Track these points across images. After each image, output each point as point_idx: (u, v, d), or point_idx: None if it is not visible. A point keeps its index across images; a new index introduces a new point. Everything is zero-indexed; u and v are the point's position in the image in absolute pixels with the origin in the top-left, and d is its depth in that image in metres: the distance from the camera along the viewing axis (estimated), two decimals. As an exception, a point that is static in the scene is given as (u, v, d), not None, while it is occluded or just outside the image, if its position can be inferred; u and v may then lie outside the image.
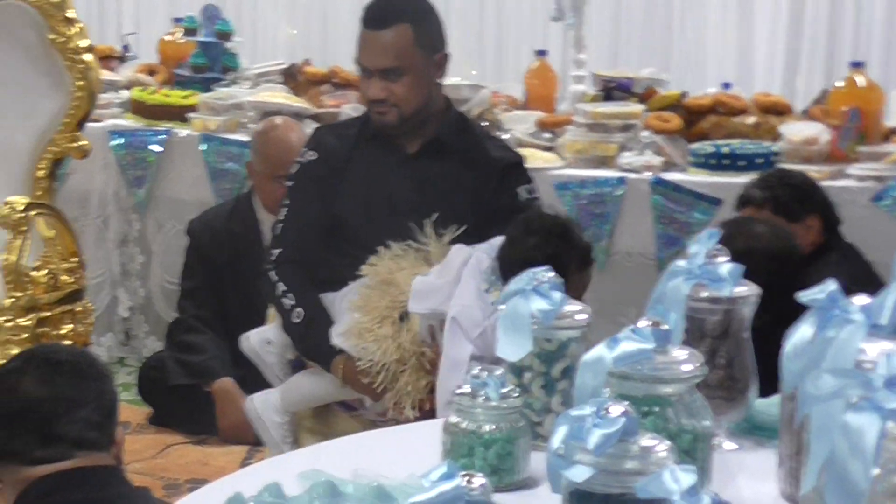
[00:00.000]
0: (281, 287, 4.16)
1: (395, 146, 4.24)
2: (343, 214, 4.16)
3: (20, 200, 4.64)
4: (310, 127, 5.83)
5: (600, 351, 2.12)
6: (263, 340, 4.31)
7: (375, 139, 4.25)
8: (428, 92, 4.22)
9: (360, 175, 4.21)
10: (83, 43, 4.95)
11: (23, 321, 4.59)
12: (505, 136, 5.61)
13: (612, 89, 5.77)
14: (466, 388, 2.34)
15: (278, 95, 5.98)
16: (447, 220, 4.06)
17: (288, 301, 4.13)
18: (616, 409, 1.86)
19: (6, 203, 4.61)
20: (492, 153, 4.27)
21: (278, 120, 5.56)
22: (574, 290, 3.30)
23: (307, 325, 4.10)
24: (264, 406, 4.25)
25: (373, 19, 4.22)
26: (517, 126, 5.66)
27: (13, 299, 4.58)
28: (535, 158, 5.37)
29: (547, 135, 5.58)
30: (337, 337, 4.02)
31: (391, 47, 4.13)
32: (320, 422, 4.29)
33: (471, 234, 4.04)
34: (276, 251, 4.22)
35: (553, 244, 3.71)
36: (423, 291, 3.91)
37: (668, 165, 5.32)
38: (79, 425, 2.61)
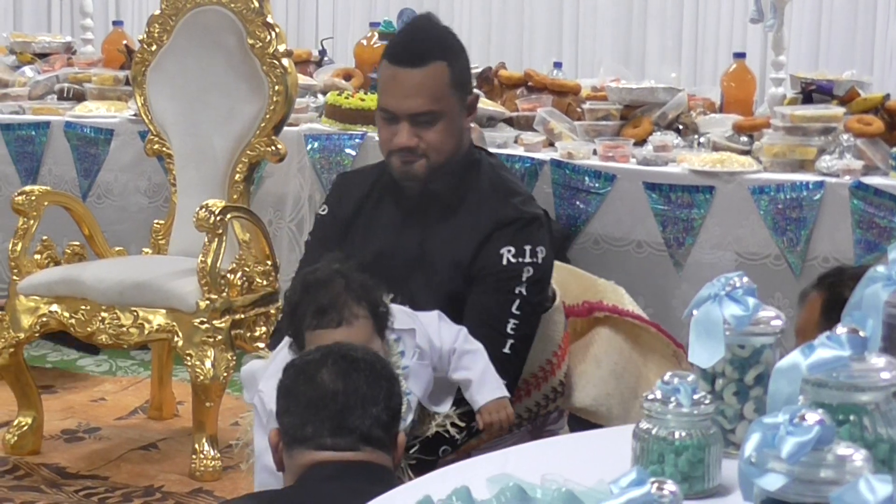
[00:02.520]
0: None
1: (403, 197, 3.88)
2: None
3: (217, 204, 4.73)
4: (503, 131, 5.86)
5: (795, 357, 2.09)
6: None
7: (388, 189, 3.91)
8: (460, 138, 3.86)
9: (363, 229, 3.90)
10: (281, 48, 5.05)
11: (218, 323, 4.69)
12: (701, 140, 5.60)
13: (812, 92, 5.69)
14: (658, 394, 2.34)
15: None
16: (442, 277, 3.78)
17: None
18: (811, 417, 1.84)
19: (203, 206, 4.71)
20: (491, 207, 3.83)
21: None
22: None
23: None
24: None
25: (405, 56, 3.80)
26: (713, 129, 5.62)
27: (208, 302, 4.68)
28: (731, 162, 5.34)
29: (744, 138, 5.54)
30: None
31: (426, 88, 3.74)
32: None
33: (459, 296, 3.77)
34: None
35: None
36: (248, 380, 3.66)
37: (869, 169, 5.23)
38: (369, 421, 2.72)
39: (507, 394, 3.61)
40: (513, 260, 3.74)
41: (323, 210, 4.04)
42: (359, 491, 2.50)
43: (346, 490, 2.60)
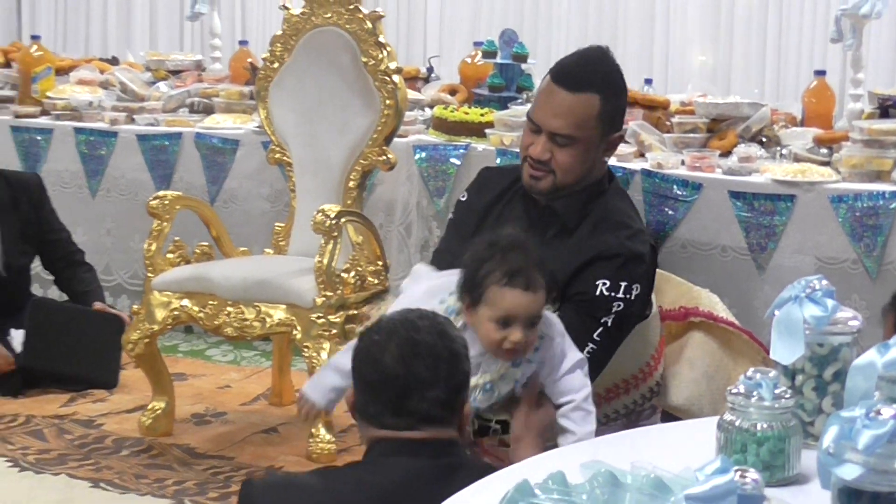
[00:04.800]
0: None
1: (532, 204, 3.89)
2: None
3: (333, 208, 4.77)
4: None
5: (871, 356, 2.08)
6: None
7: (522, 192, 3.91)
8: (591, 167, 3.83)
9: (493, 223, 3.87)
10: (392, 65, 5.07)
11: (333, 318, 4.72)
12: (783, 152, 5.56)
13: (889, 107, 5.64)
14: (741, 388, 2.33)
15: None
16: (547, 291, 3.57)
17: None
18: (886, 412, 1.83)
19: (320, 210, 4.74)
20: (599, 238, 3.76)
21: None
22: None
23: None
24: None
25: (565, 78, 3.81)
26: (795, 142, 5.58)
27: (324, 298, 4.71)
28: (811, 173, 5.30)
29: (823, 150, 5.50)
30: None
31: (573, 114, 3.74)
32: None
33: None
34: None
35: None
36: (413, 275, 3.80)
37: (944, 181, 5.19)
38: (427, 403, 2.67)
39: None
40: (606, 293, 3.68)
41: (463, 197, 4.07)
42: (422, 466, 2.51)
43: (408, 466, 2.60)
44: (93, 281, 5.99)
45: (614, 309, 3.69)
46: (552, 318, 3.52)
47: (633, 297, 3.72)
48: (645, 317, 3.89)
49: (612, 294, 3.68)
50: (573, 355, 3.50)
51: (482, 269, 3.34)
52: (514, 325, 3.32)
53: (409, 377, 2.67)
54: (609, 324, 3.68)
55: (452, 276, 3.46)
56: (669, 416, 4.12)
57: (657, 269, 4.24)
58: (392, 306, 3.56)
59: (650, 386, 3.98)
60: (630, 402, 3.93)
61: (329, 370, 3.65)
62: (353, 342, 3.21)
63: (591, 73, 3.84)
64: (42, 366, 5.60)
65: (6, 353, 5.59)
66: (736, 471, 1.74)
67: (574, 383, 3.47)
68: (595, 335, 3.67)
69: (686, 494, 1.70)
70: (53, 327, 5.65)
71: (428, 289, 3.57)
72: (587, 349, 3.63)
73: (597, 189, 3.88)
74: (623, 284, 3.69)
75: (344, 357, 3.41)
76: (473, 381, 3.36)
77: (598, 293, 3.66)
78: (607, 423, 3.82)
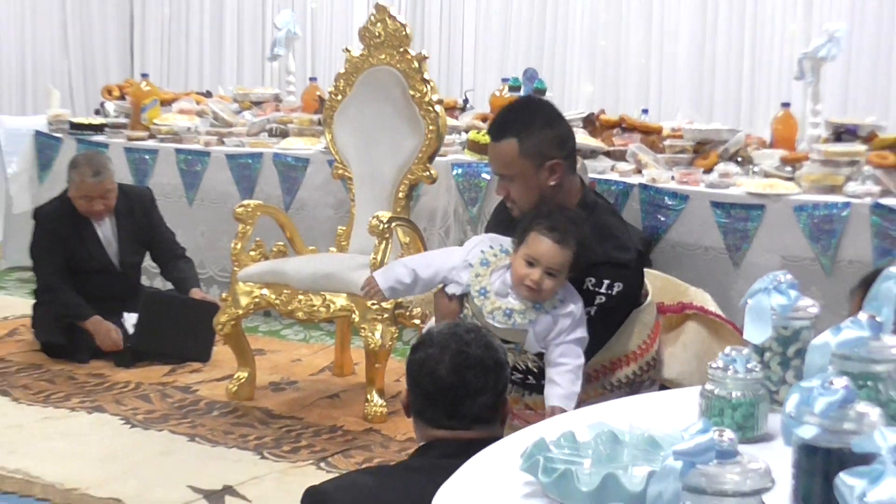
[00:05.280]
0: None
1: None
2: None
3: (385, 215, 4.77)
4: (603, 161, 5.84)
5: (826, 337, 2.07)
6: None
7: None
8: (538, 193, 3.71)
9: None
10: (434, 97, 5.06)
11: (385, 305, 4.71)
12: (755, 169, 5.54)
13: (842, 133, 5.62)
14: (720, 363, 2.33)
15: (579, 137, 5.99)
16: None
17: None
18: (838, 382, 1.82)
19: (375, 216, 4.74)
20: (590, 248, 3.67)
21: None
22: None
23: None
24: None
25: (490, 131, 3.88)
26: (765, 161, 5.57)
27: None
28: (778, 187, 5.30)
29: (788, 168, 5.48)
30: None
31: (499, 158, 3.74)
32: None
33: None
34: None
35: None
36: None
37: (885, 193, 5.16)
38: (477, 408, 2.63)
39: (570, 409, 3.50)
40: (591, 288, 3.68)
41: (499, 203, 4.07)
42: None
43: (458, 467, 2.56)
44: (190, 270, 6.01)
45: (597, 301, 3.69)
46: (578, 301, 3.58)
47: (614, 293, 3.71)
48: (640, 304, 3.88)
49: (597, 290, 3.68)
50: (581, 331, 3.55)
51: (536, 219, 3.48)
52: (537, 266, 3.43)
53: (461, 386, 2.62)
54: (593, 314, 3.68)
55: (506, 238, 3.61)
56: (665, 388, 4.11)
57: (657, 272, 4.27)
58: (424, 259, 3.80)
59: (647, 360, 3.95)
60: (630, 373, 3.91)
61: (400, 265, 3.76)
62: (423, 254, 3.77)
63: (510, 121, 3.79)
64: (150, 346, 5.63)
65: (118, 335, 5.64)
66: (714, 431, 1.72)
67: (573, 352, 3.54)
68: (589, 320, 3.69)
69: (674, 450, 1.68)
70: (161, 313, 5.67)
71: (491, 237, 3.68)
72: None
73: (584, 204, 3.81)
74: (606, 282, 3.69)
75: (415, 260, 3.71)
76: (500, 302, 3.50)
77: (584, 288, 3.66)
78: (612, 391, 3.82)
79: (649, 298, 3.99)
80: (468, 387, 2.63)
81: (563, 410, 3.48)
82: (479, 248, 3.63)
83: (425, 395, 2.65)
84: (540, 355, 3.58)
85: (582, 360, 3.59)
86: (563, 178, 3.76)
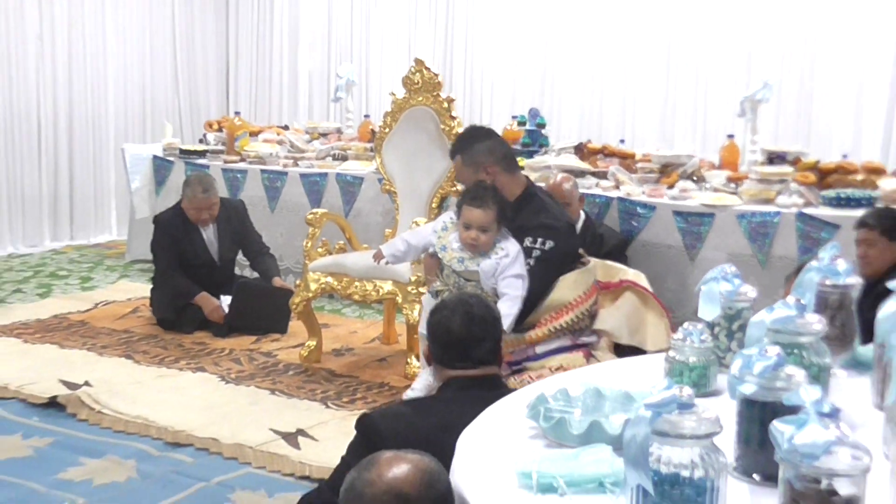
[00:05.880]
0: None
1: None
2: None
3: (421, 220, 4.75)
4: (589, 180, 5.83)
5: (762, 315, 2.07)
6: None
7: None
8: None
9: None
10: (460, 130, 5.05)
11: (421, 289, 4.69)
12: (707, 186, 5.52)
13: (774, 158, 5.60)
14: (681, 335, 2.33)
15: (571, 160, 5.99)
16: None
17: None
18: (772, 350, 1.82)
19: (414, 221, 4.74)
20: (529, 219, 4.05)
21: (563, 175, 5.54)
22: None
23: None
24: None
25: (450, 152, 4.32)
26: (714, 179, 5.55)
27: (417, 277, 4.71)
28: (725, 199, 5.28)
29: (732, 185, 5.46)
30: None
31: (456, 168, 4.27)
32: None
33: None
34: None
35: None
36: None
37: (807, 204, 5.14)
38: (481, 352, 2.63)
39: (506, 327, 3.75)
40: (529, 245, 3.98)
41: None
42: (481, 397, 2.48)
43: (474, 397, 2.52)
44: (273, 264, 6.02)
45: (534, 255, 3.97)
46: (514, 245, 3.93)
47: (546, 248, 3.98)
48: (584, 264, 4.14)
49: (533, 246, 3.98)
50: (517, 268, 3.91)
51: (463, 196, 3.95)
52: (472, 228, 3.86)
53: (469, 337, 2.63)
54: (532, 263, 3.95)
55: (447, 216, 4.09)
56: (621, 351, 4.12)
57: (610, 262, 4.39)
58: (412, 233, 4.25)
59: (582, 311, 4.05)
60: (570, 320, 4.01)
61: (398, 239, 4.27)
62: (414, 230, 4.19)
63: (456, 144, 4.27)
64: (241, 321, 5.65)
65: (223, 310, 5.67)
66: (676, 388, 1.73)
67: (513, 286, 3.89)
68: (528, 269, 3.98)
69: (645, 402, 1.68)
70: (250, 297, 5.69)
71: (451, 213, 4.07)
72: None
73: (524, 195, 4.12)
74: (539, 240, 3.98)
75: (408, 234, 4.22)
76: (455, 254, 3.93)
77: (525, 246, 3.97)
78: (556, 333, 3.98)
79: (591, 265, 4.11)
80: (474, 337, 2.63)
81: (382, 255, 4.19)
82: (442, 220, 4.07)
83: (442, 345, 2.65)
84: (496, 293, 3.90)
85: (520, 291, 3.90)
86: (498, 176, 4.10)
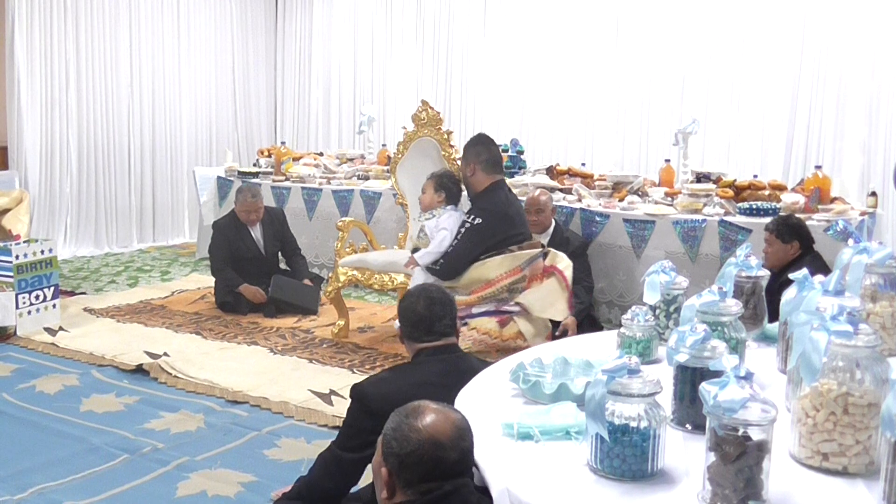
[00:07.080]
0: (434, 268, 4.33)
1: None
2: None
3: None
4: (557, 195, 5.81)
5: (693, 300, 2.08)
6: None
7: None
8: (465, 177, 4.36)
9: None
10: (457, 155, 5.03)
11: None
12: (649, 199, 5.50)
13: (701, 177, 5.60)
14: (629, 316, 2.32)
15: (544, 179, 5.98)
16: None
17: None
18: (700, 328, 1.82)
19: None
20: (473, 206, 4.30)
21: (539, 190, 5.53)
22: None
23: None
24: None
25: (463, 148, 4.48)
26: (655, 194, 5.54)
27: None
28: (663, 210, 5.25)
29: (669, 199, 5.45)
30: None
31: (460, 165, 4.46)
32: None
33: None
34: (440, 261, 4.29)
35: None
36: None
37: (727, 214, 5.13)
38: (442, 326, 2.58)
39: (421, 262, 4.29)
40: (466, 220, 4.25)
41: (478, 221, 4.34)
42: (444, 359, 2.44)
43: (438, 360, 2.50)
44: (304, 264, 5.98)
45: (466, 225, 4.22)
46: (451, 216, 4.35)
47: (475, 223, 4.21)
48: (512, 251, 4.22)
49: (467, 220, 4.23)
50: (444, 235, 4.29)
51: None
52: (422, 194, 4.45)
53: (432, 315, 2.56)
54: (462, 231, 4.22)
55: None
56: (588, 327, 4.11)
57: (559, 252, 4.35)
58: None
59: (503, 286, 4.14)
60: (494, 291, 4.12)
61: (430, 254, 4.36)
62: (426, 249, 4.35)
63: (466, 143, 4.41)
64: (277, 303, 5.62)
65: (262, 293, 5.62)
66: (626, 357, 1.73)
67: (434, 243, 4.27)
68: (459, 237, 4.24)
69: (602, 368, 1.69)
70: (285, 287, 5.68)
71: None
72: (454, 242, 4.24)
73: (480, 194, 4.30)
74: (472, 216, 4.23)
75: (431, 255, 4.32)
76: (421, 220, 4.41)
77: (463, 221, 4.23)
78: (482, 301, 4.16)
79: (517, 253, 4.24)
80: (435, 315, 2.56)
81: (416, 262, 4.36)
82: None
83: (411, 324, 2.58)
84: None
85: (437, 248, 4.26)
86: (476, 172, 4.31)
